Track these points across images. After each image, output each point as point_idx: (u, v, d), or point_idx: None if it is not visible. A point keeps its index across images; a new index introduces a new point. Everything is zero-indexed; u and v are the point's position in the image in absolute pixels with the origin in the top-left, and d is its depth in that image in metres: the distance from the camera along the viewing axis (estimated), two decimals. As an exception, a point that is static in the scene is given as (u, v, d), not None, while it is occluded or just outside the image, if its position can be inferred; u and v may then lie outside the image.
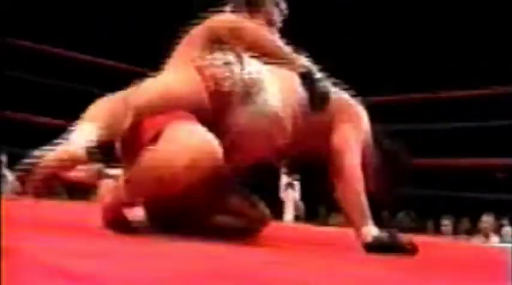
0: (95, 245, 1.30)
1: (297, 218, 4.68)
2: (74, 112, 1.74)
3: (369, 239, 1.69)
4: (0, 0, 3.76)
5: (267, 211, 1.85)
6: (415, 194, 4.77)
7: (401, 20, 8.16)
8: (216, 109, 1.62)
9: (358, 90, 1.97)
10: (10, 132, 4.35)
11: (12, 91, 4.45)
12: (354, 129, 1.83)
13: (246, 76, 1.68)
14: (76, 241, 1.33)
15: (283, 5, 1.97)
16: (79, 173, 1.55)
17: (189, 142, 1.45)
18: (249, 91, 1.66)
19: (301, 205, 5.88)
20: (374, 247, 1.67)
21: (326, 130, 1.81)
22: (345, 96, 1.90)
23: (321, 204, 7.59)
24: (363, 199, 1.75)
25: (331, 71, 1.84)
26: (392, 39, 8.28)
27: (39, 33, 6.08)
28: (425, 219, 6.82)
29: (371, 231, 1.70)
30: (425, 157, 4.31)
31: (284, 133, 1.73)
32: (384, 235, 1.69)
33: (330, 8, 8.24)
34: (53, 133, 1.62)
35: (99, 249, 1.22)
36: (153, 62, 1.92)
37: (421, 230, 6.09)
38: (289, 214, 4.55)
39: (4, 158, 5.02)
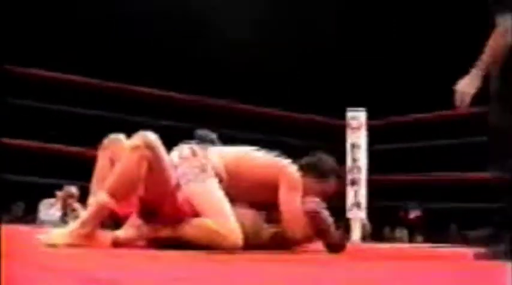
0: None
1: (363, 237, 4.85)
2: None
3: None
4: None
5: None
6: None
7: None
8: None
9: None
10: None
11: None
12: (292, 190, 2.45)
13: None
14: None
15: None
16: None
17: None
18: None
19: (367, 224, 5.51)
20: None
21: (275, 189, 2.44)
22: (285, 162, 2.51)
23: (385, 224, 7.94)
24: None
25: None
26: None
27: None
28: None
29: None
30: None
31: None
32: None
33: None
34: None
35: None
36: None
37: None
38: (356, 233, 4.69)
39: (76, 191, 5.72)
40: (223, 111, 4.89)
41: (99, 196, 2.07)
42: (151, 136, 2.15)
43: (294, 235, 2.46)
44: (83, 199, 5.63)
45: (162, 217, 2.22)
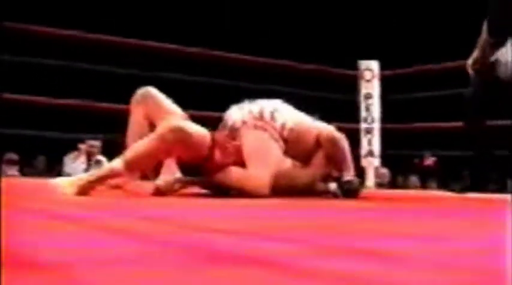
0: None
1: (380, 184, 4.90)
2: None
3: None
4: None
5: None
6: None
7: None
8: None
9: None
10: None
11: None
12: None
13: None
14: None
15: None
16: None
17: None
18: None
19: (386, 172, 5.52)
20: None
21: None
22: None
23: (399, 172, 8.18)
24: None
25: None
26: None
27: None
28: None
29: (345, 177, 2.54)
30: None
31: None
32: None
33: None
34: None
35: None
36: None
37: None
38: (370, 180, 4.70)
39: (99, 144, 5.87)
40: (238, 64, 4.98)
41: (115, 163, 2.14)
42: (187, 125, 2.21)
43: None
44: (107, 151, 5.82)
45: (203, 172, 2.31)
